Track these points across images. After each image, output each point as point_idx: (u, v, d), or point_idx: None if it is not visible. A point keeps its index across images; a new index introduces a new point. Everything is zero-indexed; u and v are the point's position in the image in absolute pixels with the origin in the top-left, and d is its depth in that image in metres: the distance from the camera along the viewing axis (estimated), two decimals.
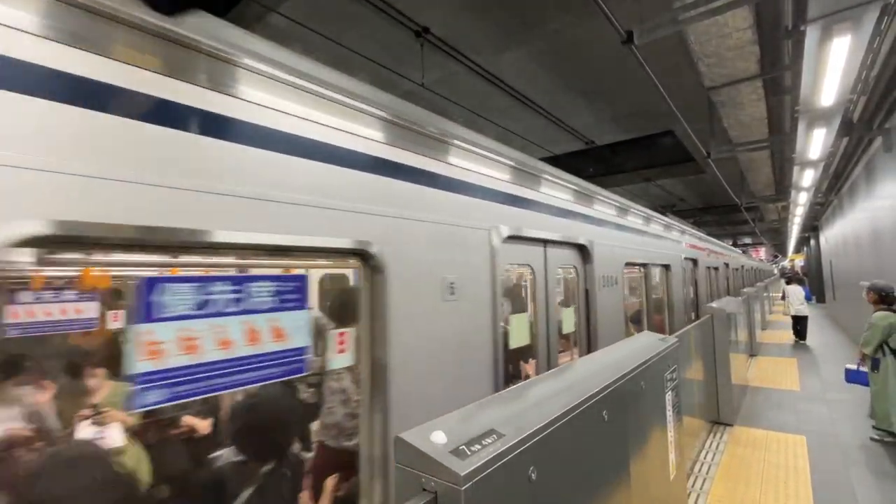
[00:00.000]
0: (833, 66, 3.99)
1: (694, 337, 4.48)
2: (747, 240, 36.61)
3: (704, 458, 4.38)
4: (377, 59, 6.64)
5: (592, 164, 12.77)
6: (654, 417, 2.40)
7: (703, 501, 3.56)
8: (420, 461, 1.12)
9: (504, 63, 7.11)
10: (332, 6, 5.65)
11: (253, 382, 1.58)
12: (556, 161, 12.62)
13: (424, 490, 1.09)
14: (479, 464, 1.10)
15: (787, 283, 12.97)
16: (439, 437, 1.18)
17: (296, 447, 2.36)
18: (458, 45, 6.53)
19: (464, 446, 1.17)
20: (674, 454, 2.69)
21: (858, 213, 9.44)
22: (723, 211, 20.99)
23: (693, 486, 3.81)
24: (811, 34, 3.51)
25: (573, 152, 12.04)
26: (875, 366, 4.69)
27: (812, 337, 11.18)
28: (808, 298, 12.06)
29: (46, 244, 1.20)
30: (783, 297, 13.42)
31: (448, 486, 1.06)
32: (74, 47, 1.21)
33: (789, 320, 11.48)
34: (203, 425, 2.72)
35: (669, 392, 2.73)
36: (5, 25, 1.10)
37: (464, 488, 1.03)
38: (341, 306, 2.35)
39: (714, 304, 5.62)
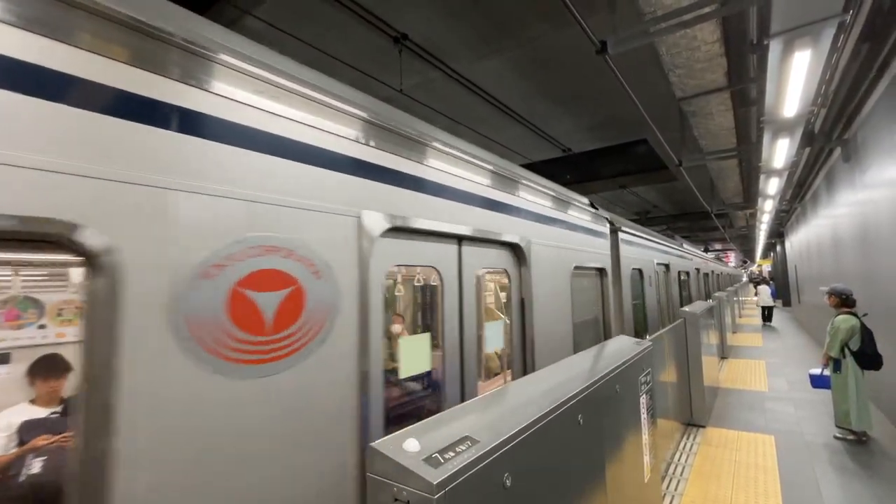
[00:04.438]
0: (795, 79, 4.18)
1: (667, 340, 4.58)
2: (718, 246, 37.84)
3: (678, 459, 4.46)
4: (355, 64, 6.62)
5: (570, 171, 13.01)
6: (628, 420, 2.42)
7: (677, 503, 3.62)
8: (392, 470, 1.10)
9: (482, 70, 7.18)
10: (309, 10, 5.60)
11: None
12: (534, 168, 12.80)
13: (396, 500, 1.07)
14: (452, 471, 1.08)
15: (758, 284, 18.79)
16: (412, 445, 1.16)
17: None
18: (436, 51, 6.56)
19: (437, 454, 1.15)
20: (648, 456, 2.72)
21: (820, 219, 9.87)
22: (694, 218, 21.63)
23: (667, 487, 3.86)
24: (774, 48, 3.67)
25: (551, 159, 12.22)
26: (837, 367, 4.88)
27: (778, 340, 12.43)
28: (773, 295, 17.11)
29: None
30: (756, 294, 17.93)
31: (420, 496, 1.04)
32: None
33: (758, 324, 15.97)
34: None
35: (644, 395, 2.77)
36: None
37: (436, 497, 1.02)
38: None
39: (686, 308, 5.76)
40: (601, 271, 4.91)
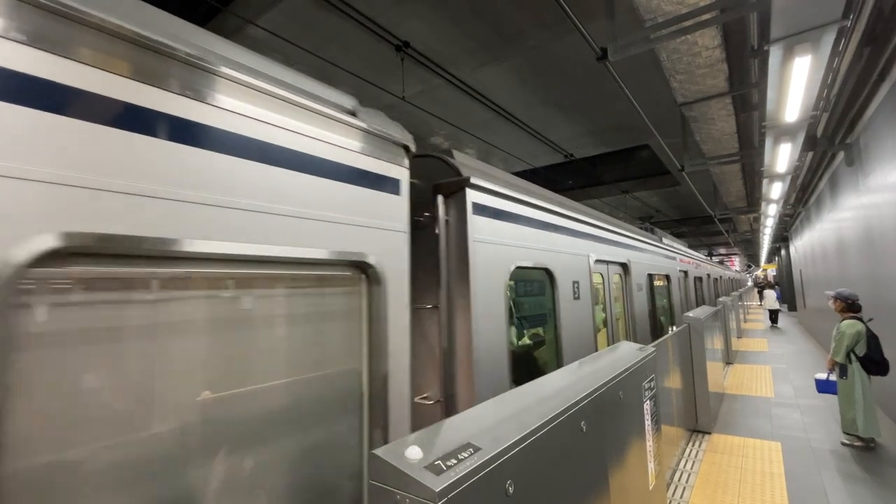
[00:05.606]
0: (795, 85, 4.18)
1: (671, 346, 4.56)
2: (722, 250, 37.70)
3: (683, 466, 4.42)
4: (358, 72, 6.67)
5: (572, 177, 13.03)
6: (632, 427, 2.41)
7: None
8: (394, 477, 1.10)
9: (483, 77, 7.22)
10: (312, 20, 5.67)
11: None
12: (536, 173, 12.84)
13: None
14: (454, 479, 1.09)
15: (763, 289, 21.41)
16: (414, 453, 1.16)
17: None
18: (437, 59, 6.61)
19: (439, 461, 1.15)
20: (653, 463, 2.71)
21: (825, 224, 9.82)
22: (698, 222, 21.61)
23: (672, 495, 3.83)
24: (775, 54, 3.68)
25: (553, 165, 12.25)
26: (843, 373, 4.83)
27: (783, 345, 12.38)
28: (778, 298, 18.29)
29: None
30: (761, 298, 20.65)
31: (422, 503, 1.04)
32: None
33: (763, 329, 16.03)
34: None
35: (648, 401, 2.76)
36: None
37: None
38: None
39: (691, 314, 5.74)
40: (363, 268, 2.07)
